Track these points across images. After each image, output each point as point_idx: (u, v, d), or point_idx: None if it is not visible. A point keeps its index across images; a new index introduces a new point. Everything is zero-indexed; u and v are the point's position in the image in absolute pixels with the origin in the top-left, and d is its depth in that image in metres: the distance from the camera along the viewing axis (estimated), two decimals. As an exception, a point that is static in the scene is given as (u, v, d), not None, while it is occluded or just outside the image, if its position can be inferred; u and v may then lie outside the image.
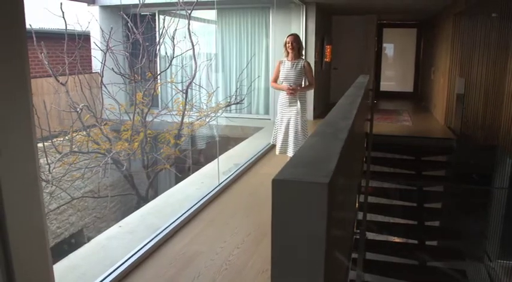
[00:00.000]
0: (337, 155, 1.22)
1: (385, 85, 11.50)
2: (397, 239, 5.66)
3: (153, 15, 7.89)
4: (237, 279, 2.48)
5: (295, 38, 4.25)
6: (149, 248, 2.80)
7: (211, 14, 8.23)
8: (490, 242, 4.60)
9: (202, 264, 2.66)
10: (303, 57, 4.32)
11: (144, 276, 2.53)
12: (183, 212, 3.39)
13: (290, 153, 4.10)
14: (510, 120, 4.29)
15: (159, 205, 3.88)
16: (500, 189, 4.58)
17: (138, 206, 6.91)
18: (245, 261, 2.69)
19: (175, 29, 6.70)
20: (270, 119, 7.58)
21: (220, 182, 4.14)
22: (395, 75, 11.97)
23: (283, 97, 4.25)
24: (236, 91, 7.83)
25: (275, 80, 4.33)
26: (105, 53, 6.40)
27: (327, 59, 8.70)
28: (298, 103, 4.16)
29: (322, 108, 8.11)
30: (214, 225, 3.31)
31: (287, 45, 4.18)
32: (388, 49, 11.76)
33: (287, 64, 4.19)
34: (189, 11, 6.54)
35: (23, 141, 1.67)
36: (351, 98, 2.79)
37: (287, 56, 4.23)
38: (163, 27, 6.82)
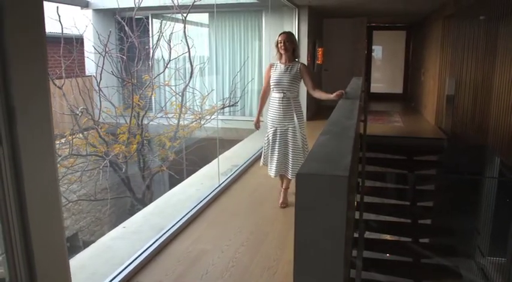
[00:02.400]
0: (350, 151, 1.32)
1: (375, 87, 11.68)
2: (389, 237, 5.78)
3: (146, 18, 7.94)
4: (245, 275, 2.55)
5: (288, 36, 3.54)
6: (156, 247, 2.86)
7: (204, 17, 8.30)
8: (481, 238, 4.74)
9: (209, 261, 2.73)
10: (298, 60, 3.65)
11: (153, 275, 2.59)
12: (186, 212, 3.45)
13: (290, 175, 3.55)
14: (498, 120, 4.44)
15: (160, 206, 3.94)
16: (490, 184, 4.73)
17: (132, 209, 6.94)
18: (251, 258, 2.76)
19: (171, 33, 6.76)
20: (262, 121, 7.66)
21: (220, 183, 4.20)
22: (384, 77, 12.16)
23: (274, 108, 3.58)
24: (230, 94, 7.91)
25: (266, 88, 3.70)
26: (103, 57, 6.43)
27: (319, 61, 8.83)
28: (295, 115, 3.53)
29: (314, 110, 8.22)
30: (217, 225, 3.37)
31: (279, 45, 3.52)
32: (378, 51, 11.96)
33: (280, 67, 3.56)
34: (185, 15, 6.60)
35: (43, 138, 1.74)
36: (351, 100, 2.90)
37: (280, 58, 3.58)
38: (160, 30, 6.87)
